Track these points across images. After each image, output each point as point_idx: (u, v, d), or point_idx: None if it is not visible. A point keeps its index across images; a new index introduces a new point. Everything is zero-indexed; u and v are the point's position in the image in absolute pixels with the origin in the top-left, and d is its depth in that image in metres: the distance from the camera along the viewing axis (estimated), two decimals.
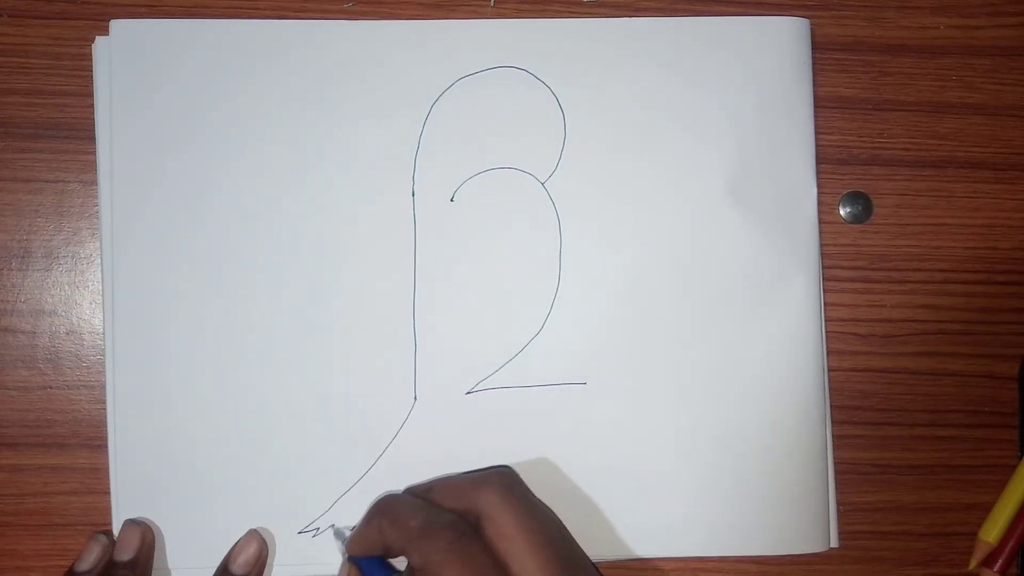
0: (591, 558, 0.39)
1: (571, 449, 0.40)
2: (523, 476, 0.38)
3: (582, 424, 0.40)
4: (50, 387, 0.40)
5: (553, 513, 0.37)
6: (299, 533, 0.39)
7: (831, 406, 0.42)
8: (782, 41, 0.41)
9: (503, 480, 0.36)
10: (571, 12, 0.42)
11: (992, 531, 0.42)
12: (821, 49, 0.42)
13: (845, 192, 0.42)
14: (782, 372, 0.40)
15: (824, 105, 0.42)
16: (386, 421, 0.40)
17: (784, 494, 0.40)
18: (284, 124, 0.40)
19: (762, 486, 0.40)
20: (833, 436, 0.42)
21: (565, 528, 0.37)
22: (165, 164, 0.40)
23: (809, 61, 0.41)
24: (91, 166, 0.40)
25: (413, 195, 0.40)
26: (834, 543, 0.41)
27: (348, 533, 0.37)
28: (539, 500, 0.37)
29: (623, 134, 0.41)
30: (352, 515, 0.39)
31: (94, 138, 0.40)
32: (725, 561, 0.41)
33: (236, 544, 0.39)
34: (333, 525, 0.39)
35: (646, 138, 0.41)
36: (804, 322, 0.41)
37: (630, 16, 0.41)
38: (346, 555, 0.36)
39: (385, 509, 0.35)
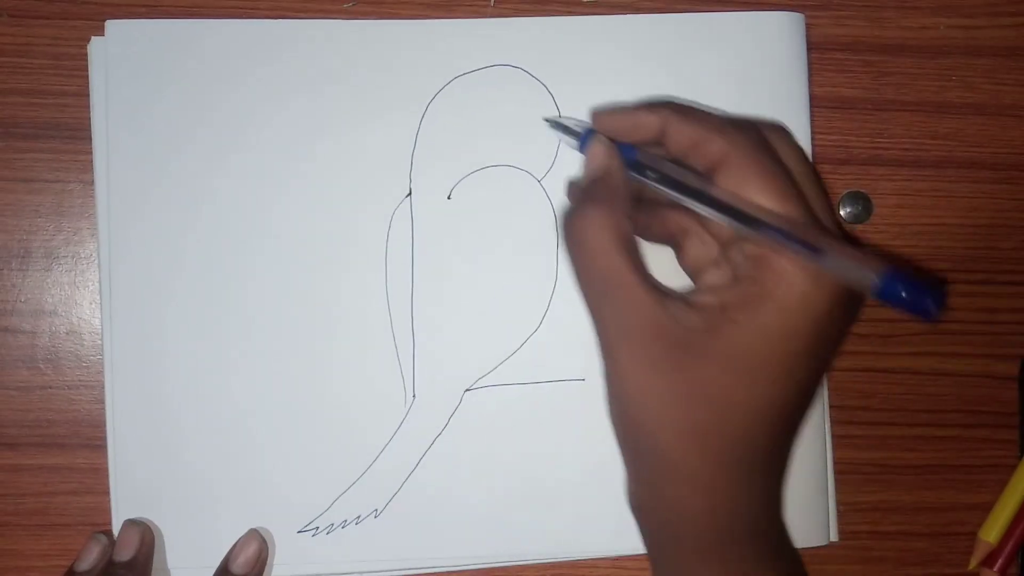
0: (590, 555, 0.39)
1: (570, 445, 0.40)
2: None
3: (581, 420, 0.40)
4: (50, 387, 0.40)
5: None
6: (299, 533, 0.39)
7: (831, 406, 0.42)
8: (777, 36, 0.41)
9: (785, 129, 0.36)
10: (572, 12, 0.42)
11: (992, 531, 0.42)
12: (820, 49, 0.42)
13: (845, 192, 0.42)
14: None
15: (824, 105, 0.42)
16: (385, 419, 0.40)
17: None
18: (281, 123, 0.40)
19: None
20: (833, 436, 0.41)
21: None
22: (162, 164, 0.40)
23: (804, 55, 0.41)
24: (91, 166, 0.40)
25: (410, 193, 0.40)
26: (834, 537, 0.41)
27: (574, 121, 0.37)
28: None
29: None
30: (352, 514, 0.39)
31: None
32: None
33: (236, 544, 0.39)
34: (547, 118, 0.39)
35: None
36: None
37: (629, 14, 0.41)
38: (584, 134, 0.36)
39: (674, 105, 0.34)
